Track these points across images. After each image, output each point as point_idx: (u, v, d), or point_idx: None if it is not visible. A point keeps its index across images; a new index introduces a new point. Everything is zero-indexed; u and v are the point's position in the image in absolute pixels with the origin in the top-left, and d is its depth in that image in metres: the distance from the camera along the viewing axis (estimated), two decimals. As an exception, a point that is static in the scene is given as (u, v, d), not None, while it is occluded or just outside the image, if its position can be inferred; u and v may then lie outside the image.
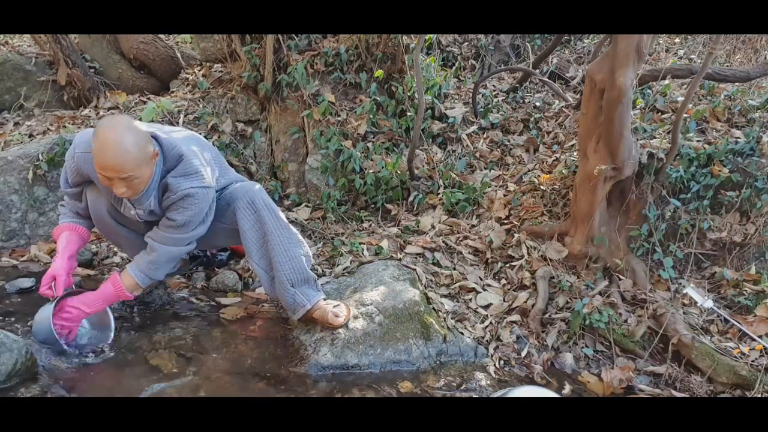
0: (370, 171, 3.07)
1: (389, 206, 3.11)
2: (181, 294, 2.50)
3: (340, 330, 2.11)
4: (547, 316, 2.40)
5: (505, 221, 2.86)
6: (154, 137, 1.91)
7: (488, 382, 2.06)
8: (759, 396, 1.99)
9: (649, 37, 2.19)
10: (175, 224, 1.97)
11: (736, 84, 3.19)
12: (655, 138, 2.79)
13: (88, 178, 1.99)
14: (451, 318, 2.35)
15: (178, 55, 4.00)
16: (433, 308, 2.34)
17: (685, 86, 3.58)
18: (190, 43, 4.25)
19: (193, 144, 2.01)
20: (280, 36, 3.23)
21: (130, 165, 1.75)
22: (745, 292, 2.38)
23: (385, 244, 2.72)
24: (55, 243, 2.08)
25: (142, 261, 2.05)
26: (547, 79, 3.80)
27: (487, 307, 2.45)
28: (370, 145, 3.22)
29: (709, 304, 2.03)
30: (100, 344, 2.04)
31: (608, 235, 2.52)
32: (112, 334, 2.07)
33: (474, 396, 1.97)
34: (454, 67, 4.31)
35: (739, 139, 2.69)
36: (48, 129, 3.38)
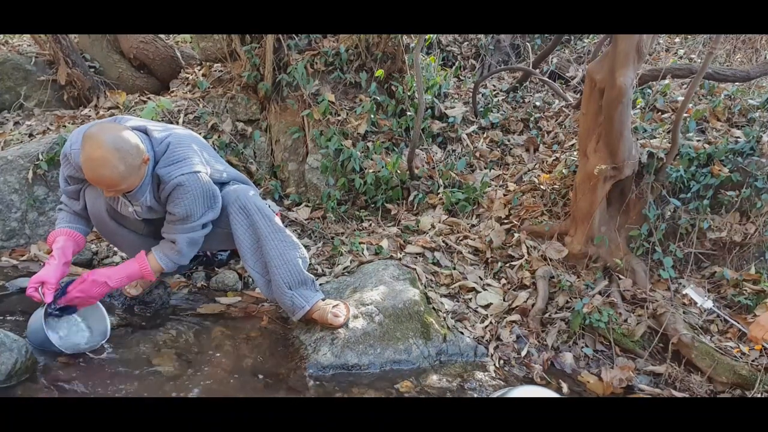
0: (370, 170, 3.07)
1: (389, 206, 3.12)
2: (181, 294, 2.50)
3: (340, 330, 2.11)
4: (547, 315, 2.40)
5: (505, 221, 2.87)
6: (145, 132, 1.91)
7: (488, 381, 2.06)
8: (759, 396, 1.99)
9: (649, 37, 2.19)
10: (178, 217, 1.98)
11: (736, 84, 3.19)
12: (655, 138, 2.79)
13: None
14: (451, 317, 2.35)
15: (178, 54, 4.00)
16: (433, 308, 2.34)
17: (685, 86, 3.58)
18: (190, 42, 4.24)
19: (192, 142, 2.01)
20: (280, 36, 3.23)
21: (118, 180, 1.77)
22: (745, 291, 2.38)
23: (385, 243, 2.72)
24: (50, 248, 2.06)
25: (166, 247, 2.06)
26: (547, 79, 3.80)
27: (487, 306, 2.45)
28: (370, 144, 3.22)
29: (708, 304, 2.03)
30: (95, 345, 2.03)
31: (608, 234, 2.52)
32: (107, 335, 2.07)
33: (474, 396, 1.97)
34: (454, 67, 4.31)
35: (739, 139, 2.69)
36: (48, 128, 3.38)
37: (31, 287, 1.93)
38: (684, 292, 2.30)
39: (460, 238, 2.81)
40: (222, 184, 2.17)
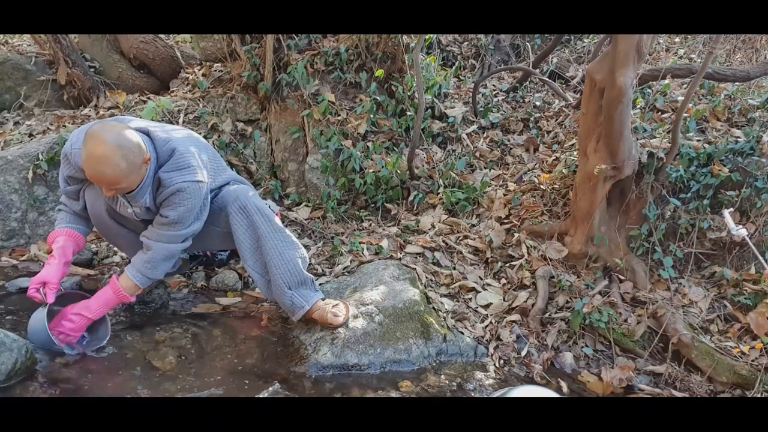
0: (370, 170, 3.07)
1: (389, 206, 3.12)
2: (181, 294, 2.50)
3: (340, 329, 2.11)
4: (547, 315, 2.40)
5: (505, 221, 2.87)
6: (147, 133, 1.91)
7: (488, 381, 2.06)
8: (759, 396, 1.99)
9: (649, 37, 2.19)
10: (168, 221, 1.97)
11: (736, 83, 3.19)
12: (655, 137, 2.79)
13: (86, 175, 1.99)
14: (451, 317, 2.35)
15: (178, 54, 4.00)
16: (433, 308, 2.34)
17: (685, 86, 3.58)
18: (190, 42, 4.24)
19: (191, 145, 2.01)
20: (280, 36, 3.23)
21: (119, 178, 1.77)
22: (745, 291, 2.38)
23: (385, 243, 2.72)
24: (50, 248, 2.05)
25: (139, 261, 2.04)
26: (547, 79, 3.80)
27: (487, 306, 2.45)
28: (370, 144, 3.22)
29: (743, 232, 1.99)
30: (97, 345, 2.03)
31: (608, 234, 2.52)
32: (108, 335, 2.07)
33: (474, 396, 1.97)
34: (454, 67, 4.31)
35: (739, 139, 2.69)
36: (48, 128, 3.38)
37: (32, 288, 1.92)
38: (722, 214, 2.22)
39: (460, 238, 2.81)
40: (220, 187, 2.17)
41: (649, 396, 2.08)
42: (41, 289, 1.93)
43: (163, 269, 2.08)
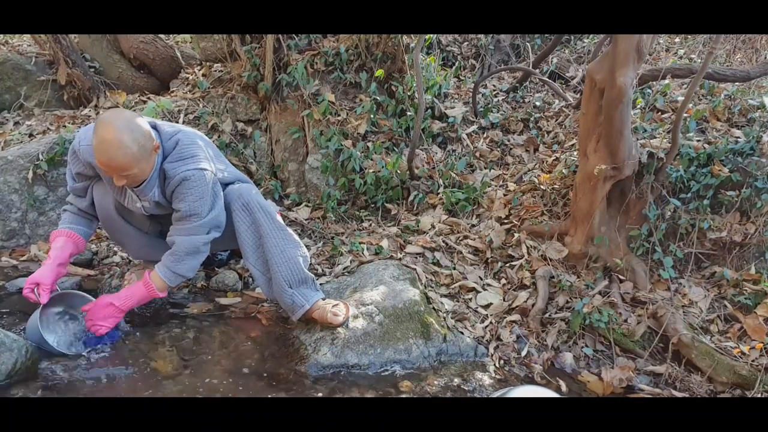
0: (370, 170, 3.07)
1: (389, 206, 3.12)
2: (181, 294, 2.50)
3: (340, 329, 2.11)
4: (547, 315, 2.40)
5: (505, 221, 2.87)
6: (154, 126, 1.92)
7: (488, 381, 2.06)
8: (759, 396, 1.99)
9: (649, 37, 2.19)
10: (182, 214, 1.98)
11: (736, 84, 3.19)
12: (655, 137, 2.79)
13: (95, 171, 2.00)
14: (451, 317, 2.35)
15: (178, 54, 4.01)
16: (433, 308, 2.34)
17: (685, 86, 3.58)
18: (190, 42, 4.25)
19: (197, 138, 2.03)
20: (280, 36, 3.23)
21: (131, 163, 1.77)
22: (745, 291, 2.38)
23: (385, 243, 2.72)
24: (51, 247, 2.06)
25: (166, 258, 2.05)
26: (547, 79, 3.80)
27: (487, 306, 2.45)
28: (370, 144, 3.22)
29: None
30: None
31: (608, 234, 2.52)
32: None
33: (474, 396, 1.97)
34: (454, 67, 4.31)
35: (739, 139, 2.69)
36: (48, 128, 3.38)
37: (26, 288, 1.93)
38: None
39: (460, 238, 2.81)
40: (224, 185, 2.17)
41: (649, 396, 2.07)
42: (35, 289, 1.93)
43: (189, 265, 2.05)
